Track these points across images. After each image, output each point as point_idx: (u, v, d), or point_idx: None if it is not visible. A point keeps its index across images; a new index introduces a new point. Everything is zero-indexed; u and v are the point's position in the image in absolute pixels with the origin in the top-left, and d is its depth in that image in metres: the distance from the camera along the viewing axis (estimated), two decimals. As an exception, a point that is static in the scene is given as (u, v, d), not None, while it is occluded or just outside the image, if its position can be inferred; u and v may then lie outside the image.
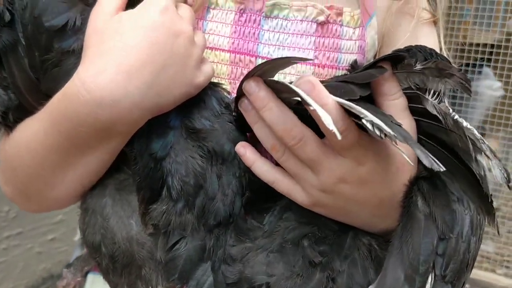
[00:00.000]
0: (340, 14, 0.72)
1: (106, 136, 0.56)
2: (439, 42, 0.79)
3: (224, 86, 0.64)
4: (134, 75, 0.52)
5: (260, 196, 0.61)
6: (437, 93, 0.54)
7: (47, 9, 0.55)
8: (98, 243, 0.61)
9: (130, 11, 0.56)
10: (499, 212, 3.05)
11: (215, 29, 0.69)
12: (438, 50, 0.76)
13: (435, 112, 0.53)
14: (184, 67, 0.55)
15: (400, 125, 0.48)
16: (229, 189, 0.58)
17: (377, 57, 0.76)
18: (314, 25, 0.70)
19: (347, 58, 0.73)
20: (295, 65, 0.70)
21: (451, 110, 0.52)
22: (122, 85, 0.51)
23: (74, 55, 0.56)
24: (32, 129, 0.59)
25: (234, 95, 0.67)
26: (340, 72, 0.72)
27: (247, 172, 0.60)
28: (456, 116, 0.51)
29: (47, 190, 0.63)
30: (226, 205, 0.58)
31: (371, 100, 0.54)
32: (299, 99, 0.47)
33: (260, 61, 0.69)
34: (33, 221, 2.04)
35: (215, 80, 0.64)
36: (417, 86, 0.54)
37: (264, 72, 0.53)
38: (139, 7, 0.56)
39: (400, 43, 0.74)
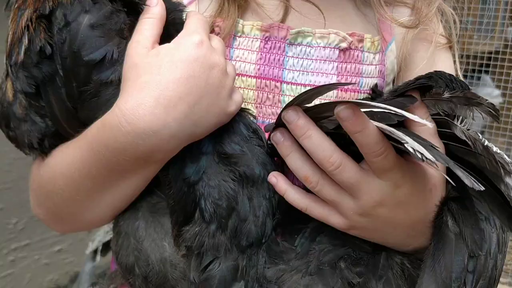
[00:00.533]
0: (361, 40, 0.74)
1: (143, 163, 0.58)
2: (455, 66, 0.81)
3: (250, 111, 0.66)
4: (172, 108, 0.54)
5: (290, 217, 0.62)
6: (464, 119, 0.56)
7: (85, 44, 0.57)
8: (131, 264, 0.63)
9: (167, 45, 0.58)
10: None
11: (242, 56, 0.71)
12: (454, 74, 0.79)
13: (464, 138, 0.55)
14: (218, 98, 0.58)
15: (438, 149, 0.50)
16: (260, 211, 0.60)
17: (396, 82, 0.78)
18: (337, 51, 0.73)
19: (368, 82, 0.75)
20: None
21: (480, 136, 0.54)
22: (161, 117, 0.54)
23: (112, 86, 0.58)
24: (68, 156, 0.61)
25: (260, 119, 0.69)
26: (361, 96, 0.74)
27: (276, 193, 0.61)
28: (486, 142, 0.53)
29: (81, 213, 0.66)
30: (257, 226, 0.60)
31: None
32: (336, 123, 0.50)
33: (285, 86, 0.72)
34: (40, 233, 2.04)
35: (242, 105, 0.66)
36: (445, 113, 0.56)
37: (303, 101, 0.55)
38: (175, 41, 0.58)
39: (419, 69, 0.77)
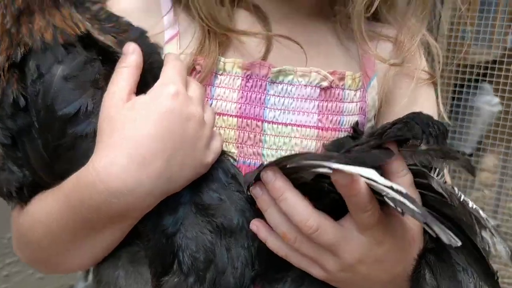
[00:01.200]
0: (342, 78, 0.73)
1: (119, 220, 0.57)
2: (437, 103, 0.80)
3: (230, 154, 0.66)
4: (146, 165, 0.53)
5: (271, 265, 0.62)
6: (441, 172, 0.56)
7: (58, 97, 0.55)
8: None
9: (142, 97, 0.57)
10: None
11: (223, 94, 0.70)
12: (436, 112, 0.78)
13: (440, 190, 0.54)
14: (194, 150, 0.57)
15: (416, 202, 0.49)
16: (239, 262, 0.60)
17: (377, 117, 0.78)
18: (318, 90, 0.72)
19: (349, 120, 0.75)
20: (299, 128, 0.72)
21: (456, 190, 0.54)
22: (135, 175, 0.53)
23: (88, 139, 0.57)
24: (47, 206, 0.60)
25: (241, 159, 0.68)
26: (342, 134, 0.73)
27: (255, 241, 0.61)
28: (463, 197, 0.53)
29: (60, 261, 0.65)
30: (236, 278, 0.59)
31: None
32: (317, 172, 0.50)
33: (266, 125, 0.71)
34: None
35: (223, 144, 0.66)
36: (422, 164, 0.56)
37: (284, 163, 0.54)
38: (151, 92, 0.57)
39: (400, 105, 0.76)
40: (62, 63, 0.55)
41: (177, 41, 0.72)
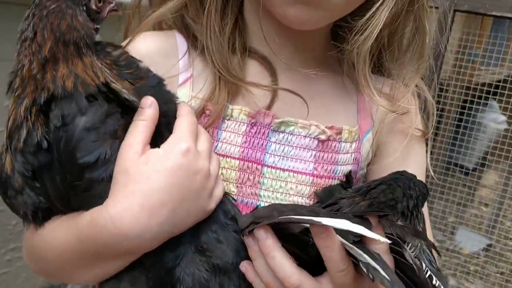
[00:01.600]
0: (339, 132, 0.78)
1: (125, 255, 0.62)
2: (426, 158, 0.84)
3: (231, 195, 0.70)
4: (155, 214, 0.58)
5: None
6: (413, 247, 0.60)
7: (79, 146, 0.58)
8: None
9: (156, 152, 0.61)
10: (490, 250, 3.09)
11: (228, 138, 0.75)
12: (424, 167, 0.82)
13: (411, 262, 0.58)
14: (199, 199, 0.62)
15: (389, 269, 0.54)
16: None
17: (370, 165, 0.82)
18: (316, 141, 0.77)
19: (343, 169, 0.79)
20: (296, 175, 0.76)
21: (424, 266, 0.58)
22: (144, 223, 0.58)
23: (103, 183, 0.60)
24: (59, 235, 0.65)
25: (240, 198, 0.73)
26: (335, 182, 0.77)
27: (246, 281, 0.65)
28: (429, 273, 0.57)
29: (66, 277, 0.72)
30: None
31: None
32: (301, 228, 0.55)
33: (265, 169, 0.75)
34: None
35: (225, 183, 0.71)
36: (398, 235, 0.60)
37: (274, 221, 0.59)
38: (164, 147, 0.61)
39: (391, 159, 0.80)
40: (85, 115, 0.58)
41: (190, 85, 0.76)
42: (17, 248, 2.04)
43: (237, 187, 0.75)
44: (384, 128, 0.80)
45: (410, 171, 0.72)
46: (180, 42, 0.78)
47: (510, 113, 3.18)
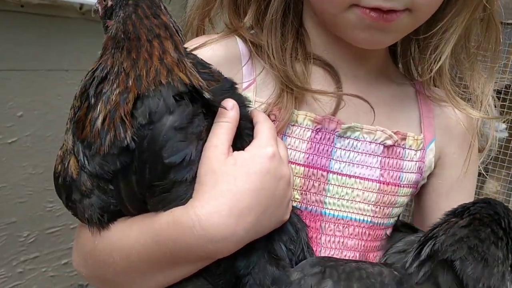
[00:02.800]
0: (404, 138, 0.78)
1: (204, 260, 0.61)
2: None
3: (296, 210, 0.70)
4: (242, 218, 0.58)
5: None
6: None
7: (166, 145, 0.57)
8: None
9: (242, 155, 0.61)
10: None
11: (293, 144, 0.74)
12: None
13: None
14: (280, 208, 0.62)
15: None
16: None
17: (429, 178, 0.82)
18: (381, 147, 0.77)
19: (408, 177, 0.79)
20: (362, 181, 0.75)
21: None
22: (232, 226, 0.57)
23: (185, 184, 0.59)
24: (129, 238, 0.63)
25: (303, 205, 0.72)
26: (401, 190, 0.77)
27: None
28: None
29: (126, 285, 0.68)
30: None
31: None
32: None
33: (331, 175, 0.75)
34: (49, 246, 2.07)
35: None
36: None
37: None
38: (251, 151, 0.61)
39: (452, 174, 0.81)
40: (172, 114, 0.57)
41: (253, 89, 0.76)
42: (28, 260, 2.00)
43: (302, 194, 0.74)
44: (450, 140, 0.81)
45: (468, 186, 0.72)
46: (241, 48, 0.78)
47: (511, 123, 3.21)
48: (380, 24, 0.67)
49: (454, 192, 0.82)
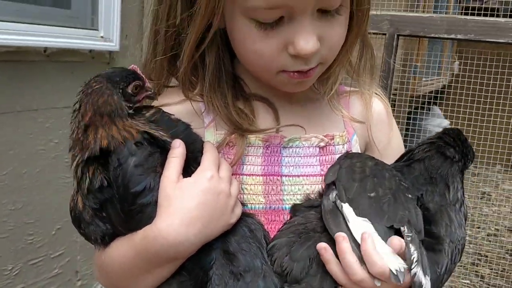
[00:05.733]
0: (333, 138, 0.99)
1: (172, 261, 0.79)
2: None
3: (251, 215, 0.88)
4: (191, 227, 0.76)
5: None
6: None
7: (131, 179, 0.77)
8: None
9: (188, 180, 0.79)
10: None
11: (251, 160, 0.94)
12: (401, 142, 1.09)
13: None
14: (223, 215, 0.80)
15: None
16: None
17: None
18: (317, 149, 0.97)
19: None
20: (308, 178, 0.95)
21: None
22: (184, 233, 0.76)
23: (151, 206, 0.79)
24: (121, 251, 0.82)
25: (267, 205, 0.91)
26: None
27: (259, 279, 0.80)
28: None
29: (130, 286, 0.86)
30: None
31: None
32: None
33: (284, 178, 0.94)
34: (34, 277, 2.18)
35: (254, 196, 0.91)
36: None
37: None
38: (194, 176, 0.80)
39: (380, 147, 1.04)
40: (134, 156, 0.77)
41: (214, 126, 0.95)
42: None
43: (265, 197, 0.93)
44: (367, 128, 1.04)
45: (395, 151, 0.99)
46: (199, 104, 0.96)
47: (452, 118, 3.50)
48: (303, 80, 0.89)
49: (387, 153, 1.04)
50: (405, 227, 0.76)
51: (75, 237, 2.38)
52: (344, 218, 0.78)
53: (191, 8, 0.86)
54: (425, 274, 0.72)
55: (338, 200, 0.81)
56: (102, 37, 2.33)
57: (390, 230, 0.77)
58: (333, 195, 0.82)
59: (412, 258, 0.71)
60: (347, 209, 0.79)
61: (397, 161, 0.95)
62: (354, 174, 0.84)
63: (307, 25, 0.81)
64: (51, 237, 2.25)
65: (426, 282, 0.71)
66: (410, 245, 0.73)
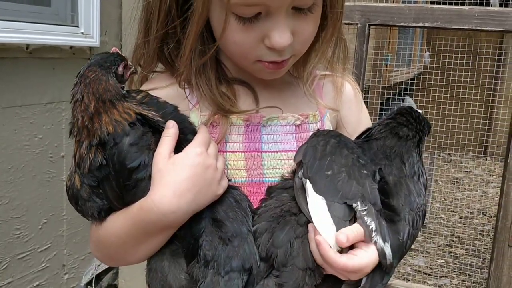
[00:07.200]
0: (307, 117, 1.07)
1: (166, 229, 0.86)
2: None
3: (237, 187, 0.95)
4: (183, 197, 0.83)
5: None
6: None
7: (127, 156, 0.84)
8: None
9: (179, 155, 0.86)
10: (426, 228, 3.50)
11: (233, 139, 1.01)
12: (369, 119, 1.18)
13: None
14: (211, 187, 0.87)
15: None
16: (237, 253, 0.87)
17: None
18: (294, 127, 1.05)
19: None
20: (286, 153, 1.03)
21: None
22: (176, 203, 0.83)
23: (145, 180, 0.85)
24: (118, 223, 0.89)
25: (249, 179, 0.98)
26: None
27: (248, 245, 0.88)
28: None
29: (126, 257, 0.94)
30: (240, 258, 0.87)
31: None
32: None
33: (264, 154, 1.02)
34: (22, 271, 2.22)
35: (237, 171, 0.99)
36: None
37: None
38: (185, 151, 0.87)
39: (352, 127, 1.13)
40: (128, 135, 0.84)
41: (199, 107, 1.02)
42: (3, 286, 2.13)
43: (247, 171, 1.01)
44: (339, 107, 1.12)
45: (365, 124, 1.07)
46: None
47: (425, 108, 3.62)
48: (277, 70, 0.98)
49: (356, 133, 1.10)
50: (358, 202, 0.82)
51: (61, 232, 2.43)
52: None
53: (185, 5, 0.95)
54: (384, 241, 0.79)
55: (303, 177, 0.88)
56: (82, 33, 2.37)
57: (347, 207, 0.83)
58: (301, 173, 0.90)
59: (370, 228, 0.79)
60: (308, 185, 0.86)
61: (358, 137, 1.03)
62: (316, 153, 0.91)
63: (282, 21, 0.90)
64: (38, 231, 2.29)
65: (386, 248, 0.79)
66: (365, 217, 0.80)
